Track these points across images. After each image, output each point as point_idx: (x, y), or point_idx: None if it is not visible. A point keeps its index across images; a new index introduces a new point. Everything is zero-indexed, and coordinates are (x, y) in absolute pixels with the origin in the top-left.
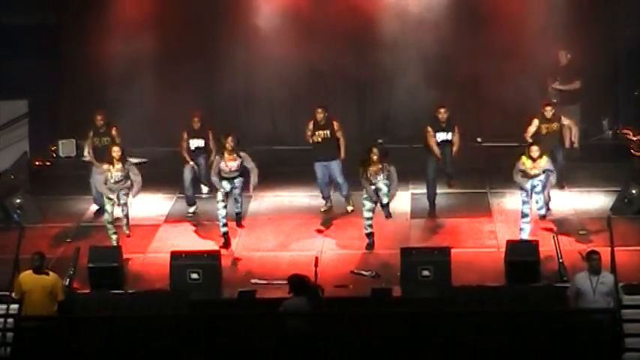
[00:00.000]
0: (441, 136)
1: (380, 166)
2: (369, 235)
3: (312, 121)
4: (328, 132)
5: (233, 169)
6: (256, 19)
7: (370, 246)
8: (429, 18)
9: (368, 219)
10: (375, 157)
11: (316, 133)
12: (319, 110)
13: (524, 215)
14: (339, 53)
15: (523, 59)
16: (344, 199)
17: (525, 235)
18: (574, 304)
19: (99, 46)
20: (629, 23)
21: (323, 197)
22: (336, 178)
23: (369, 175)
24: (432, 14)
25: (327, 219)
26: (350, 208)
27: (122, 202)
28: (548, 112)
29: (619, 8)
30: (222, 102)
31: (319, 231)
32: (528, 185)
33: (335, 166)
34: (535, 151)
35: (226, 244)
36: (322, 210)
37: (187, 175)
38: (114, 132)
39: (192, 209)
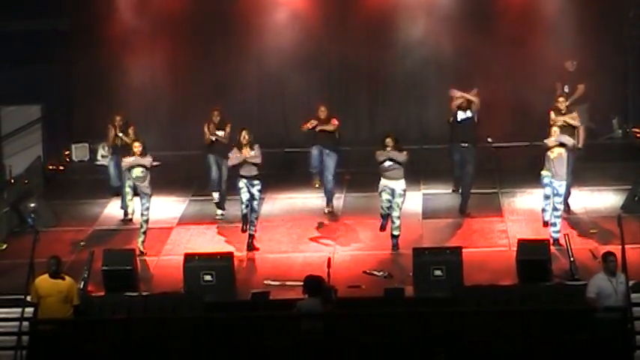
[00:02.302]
0: (461, 115)
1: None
2: (384, 217)
3: (313, 119)
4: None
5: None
6: (269, 25)
7: (383, 227)
8: (441, 21)
9: (386, 201)
10: (390, 145)
11: (317, 126)
12: (322, 108)
13: (544, 210)
14: (351, 57)
15: (533, 60)
16: (326, 199)
17: (554, 225)
18: (598, 304)
19: (111, 51)
20: (639, 24)
21: (312, 170)
22: (329, 169)
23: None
24: (443, 17)
25: (340, 220)
26: (327, 210)
27: (145, 206)
28: (562, 103)
29: (629, 9)
30: (235, 105)
31: (332, 232)
32: (549, 190)
33: (332, 157)
34: (555, 132)
35: (244, 228)
36: (326, 212)
37: (211, 162)
38: (131, 130)
39: (216, 195)
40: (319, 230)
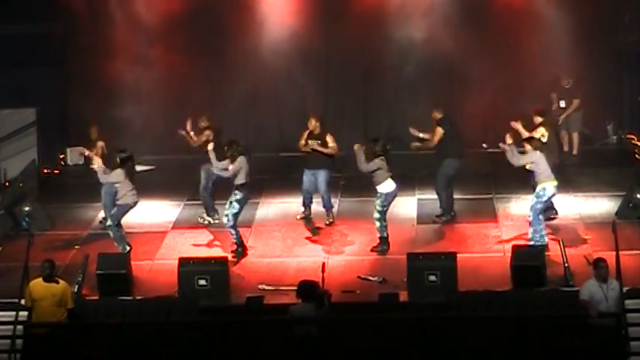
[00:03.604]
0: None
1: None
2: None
3: (307, 132)
4: (320, 142)
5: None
6: (263, 29)
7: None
8: (436, 26)
9: (379, 220)
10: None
11: (308, 142)
12: (312, 120)
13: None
14: (346, 62)
15: (529, 65)
16: (325, 211)
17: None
18: (591, 307)
19: (106, 54)
20: (634, 29)
21: (303, 204)
22: (321, 189)
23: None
24: (439, 23)
25: (334, 225)
26: (329, 221)
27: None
28: (537, 119)
29: (624, 13)
30: (230, 110)
31: (326, 237)
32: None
33: (322, 176)
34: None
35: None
36: (298, 217)
37: (202, 174)
38: (99, 144)
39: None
40: (314, 235)
